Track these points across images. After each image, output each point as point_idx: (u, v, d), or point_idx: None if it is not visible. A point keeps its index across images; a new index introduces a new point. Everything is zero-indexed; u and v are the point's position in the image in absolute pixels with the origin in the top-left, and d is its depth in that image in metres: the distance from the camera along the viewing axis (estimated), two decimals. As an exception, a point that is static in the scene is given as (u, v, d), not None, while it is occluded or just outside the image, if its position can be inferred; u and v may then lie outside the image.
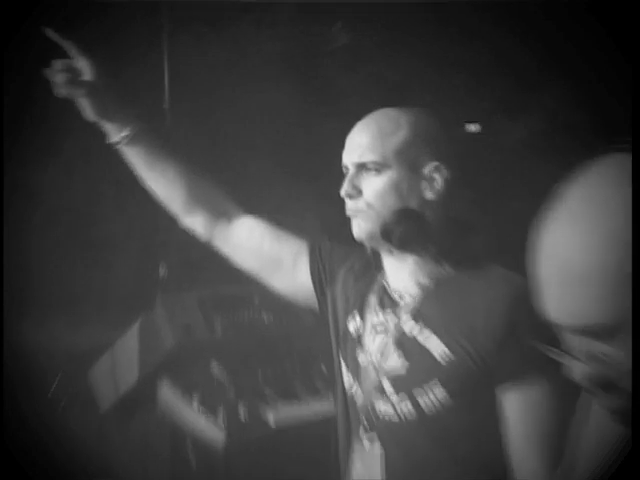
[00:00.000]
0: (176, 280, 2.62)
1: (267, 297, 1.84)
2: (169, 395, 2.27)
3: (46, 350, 2.47)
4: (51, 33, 1.44)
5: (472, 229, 1.39)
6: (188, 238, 1.60)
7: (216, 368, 2.20)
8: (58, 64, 1.43)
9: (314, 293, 1.52)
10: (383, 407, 1.32)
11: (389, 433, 1.32)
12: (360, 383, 1.37)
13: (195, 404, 2.18)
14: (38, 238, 2.63)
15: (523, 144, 2.48)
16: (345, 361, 1.43)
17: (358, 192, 1.32)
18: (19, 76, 1.96)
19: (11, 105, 2.21)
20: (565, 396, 1.14)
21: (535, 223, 0.73)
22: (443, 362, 1.24)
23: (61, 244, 2.65)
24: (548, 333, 0.80)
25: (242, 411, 2.14)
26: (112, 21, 2.42)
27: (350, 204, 1.33)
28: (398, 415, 1.29)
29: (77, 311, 2.54)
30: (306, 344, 2.27)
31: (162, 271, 2.65)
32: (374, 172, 1.31)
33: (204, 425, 2.15)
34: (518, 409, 1.22)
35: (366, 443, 1.36)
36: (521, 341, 1.17)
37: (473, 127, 1.84)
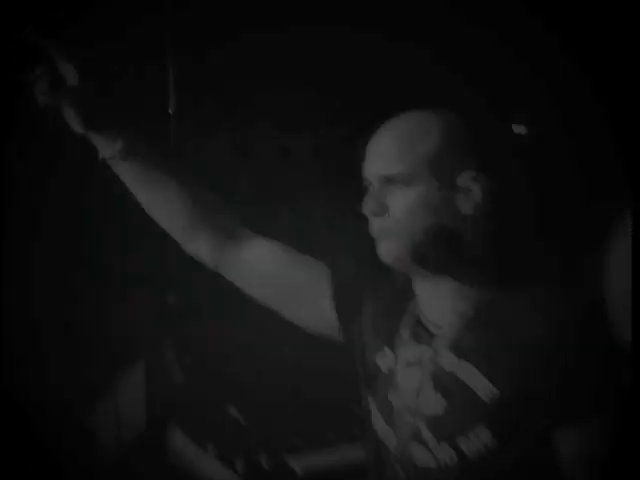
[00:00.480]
0: (187, 310, 2.46)
1: (290, 330, 1.64)
2: (181, 442, 2.10)
3: (44, 390, 2.33)
4: (31, 33, 1.26)
5: (518, 246, 1.21)
6: (200, 262, 1.44)
7: (234, 410, 2.01)
8: (39, 69, 1.26)
9: (339, 325, 1.34)
10: (420, 453, 1.16)
11: None
12: (393, 427, 1.21)
13: (210, 451, 2.01)
14: (38, 266, 2.52)
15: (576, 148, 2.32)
16: (376, 402, 1.26)
17: (384, 209, 1.15)
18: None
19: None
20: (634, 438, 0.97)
21: (601, 238, 0.71)
22: (488, 401, 1.10)
23: (60, 270, 2.53)
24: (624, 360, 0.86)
25: (264, 458, 1.96)
26: (114, 19, 2.30)
27: (375, 223, 1.17)
28: (437, 461, 1.14)
29: (76, 345, 2.40)
30: (335, 382, 2.07)
31: (171, 300, 2.50)
32: (402, 185, 1.15)
33: (221, 475, 1.98)
34: (578, 453, 1.08)
35: None
36: (585, 373, 1.05)
37: (517, 129, 1.66)
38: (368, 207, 1.17)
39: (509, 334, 1.11)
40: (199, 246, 1.37)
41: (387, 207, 1.16)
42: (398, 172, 1.14)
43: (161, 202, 1.35)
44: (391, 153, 1.15)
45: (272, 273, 1.38)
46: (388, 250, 1.16)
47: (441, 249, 1.13)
